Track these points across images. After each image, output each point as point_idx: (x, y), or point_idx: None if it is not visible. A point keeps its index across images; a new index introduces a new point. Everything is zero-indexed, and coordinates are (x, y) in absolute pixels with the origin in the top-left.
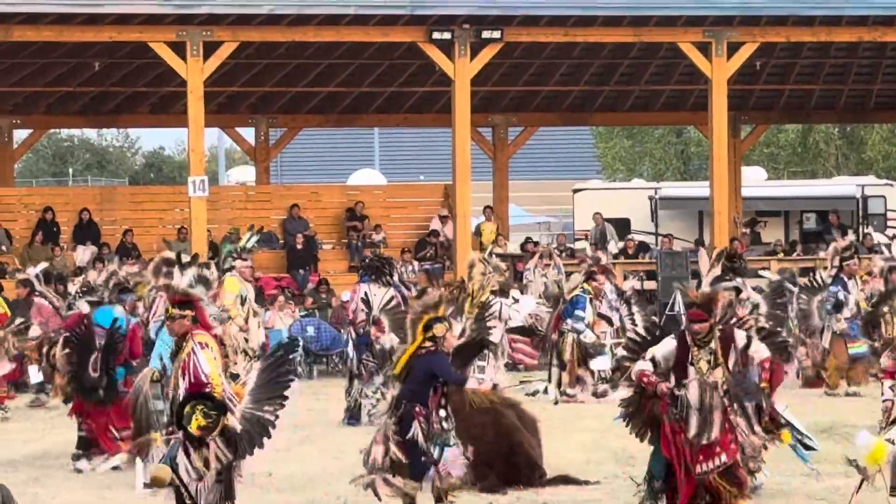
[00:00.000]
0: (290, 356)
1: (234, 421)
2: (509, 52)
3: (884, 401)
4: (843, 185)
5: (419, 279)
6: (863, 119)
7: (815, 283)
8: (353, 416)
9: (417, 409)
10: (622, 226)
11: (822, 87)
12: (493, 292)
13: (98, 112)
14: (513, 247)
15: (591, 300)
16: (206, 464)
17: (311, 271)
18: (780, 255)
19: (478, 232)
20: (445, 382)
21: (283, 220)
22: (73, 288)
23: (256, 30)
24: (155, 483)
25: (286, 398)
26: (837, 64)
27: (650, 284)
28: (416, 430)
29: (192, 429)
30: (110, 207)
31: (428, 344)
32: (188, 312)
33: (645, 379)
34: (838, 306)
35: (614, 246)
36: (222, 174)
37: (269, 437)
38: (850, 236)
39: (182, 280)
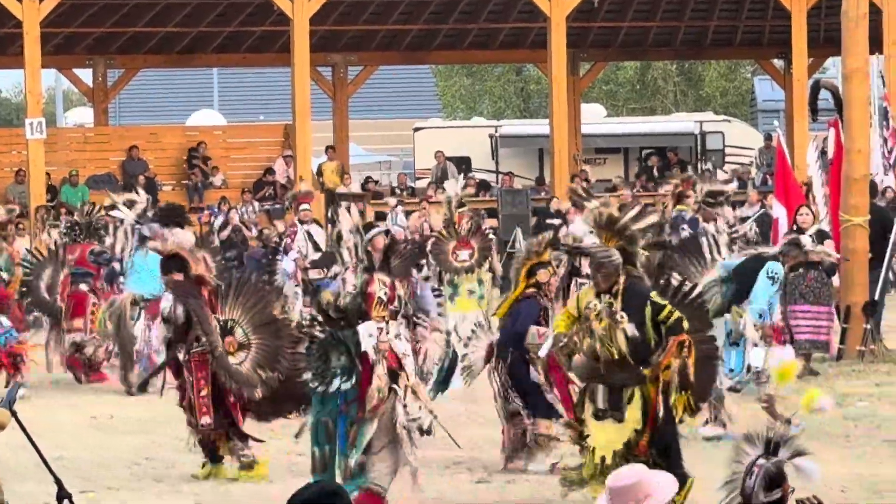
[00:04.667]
0: None
1: None
2: None
3: None
4: (681, 122)
5: (259, 220)
6: (700, 56)
7: None
8: None
9: (521, 353)
10: (463, 164)
11: (659, 24)
12: None
13: None
14: (354, 186)
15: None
16: None
17: None
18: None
19: (319, 172)
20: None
21: (123, 161)
22: None
23: None
24: None
25: None
26: (674, 0)
27: (492, 222)
28: (534, 373)
29: None
30: None
31: (530, 290)
32: None
33: None
34: None
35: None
36: (60, 116)
37: None
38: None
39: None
